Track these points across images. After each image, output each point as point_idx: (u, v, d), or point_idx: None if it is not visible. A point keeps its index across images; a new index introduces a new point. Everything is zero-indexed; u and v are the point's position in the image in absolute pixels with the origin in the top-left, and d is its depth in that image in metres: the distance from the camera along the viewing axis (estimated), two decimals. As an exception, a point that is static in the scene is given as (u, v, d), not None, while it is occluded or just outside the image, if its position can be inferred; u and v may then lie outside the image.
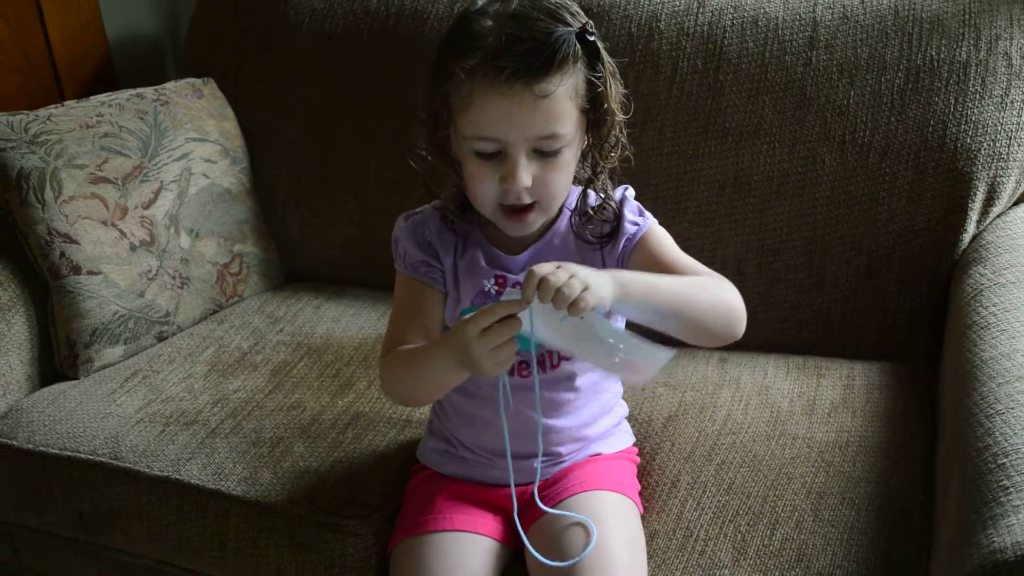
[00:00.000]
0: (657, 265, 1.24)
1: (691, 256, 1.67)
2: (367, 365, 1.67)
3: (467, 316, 1.09)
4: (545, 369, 1.29)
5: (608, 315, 1.20)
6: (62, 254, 1.69)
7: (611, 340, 1.09)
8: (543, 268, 1.04)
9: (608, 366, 1.14)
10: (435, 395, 1.29)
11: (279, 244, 2.02)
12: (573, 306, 1.03)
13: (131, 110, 1.84)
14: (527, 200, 1.18)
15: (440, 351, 1.16)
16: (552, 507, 1.27)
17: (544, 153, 1.16)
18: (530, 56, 1.10)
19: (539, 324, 1.07)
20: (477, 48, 1.12)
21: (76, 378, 1.71)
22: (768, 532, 1.28)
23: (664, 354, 1.11)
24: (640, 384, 1.30)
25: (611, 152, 1.25)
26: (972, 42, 1.61)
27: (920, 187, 1.61)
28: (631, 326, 1.23)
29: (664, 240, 1.28)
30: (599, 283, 1.05)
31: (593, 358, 1.14)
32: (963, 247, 1.61)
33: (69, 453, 1.53)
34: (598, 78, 1.16)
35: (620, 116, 1.22)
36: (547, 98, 1.12)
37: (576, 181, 1.26)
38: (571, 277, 1.03)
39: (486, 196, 1.19)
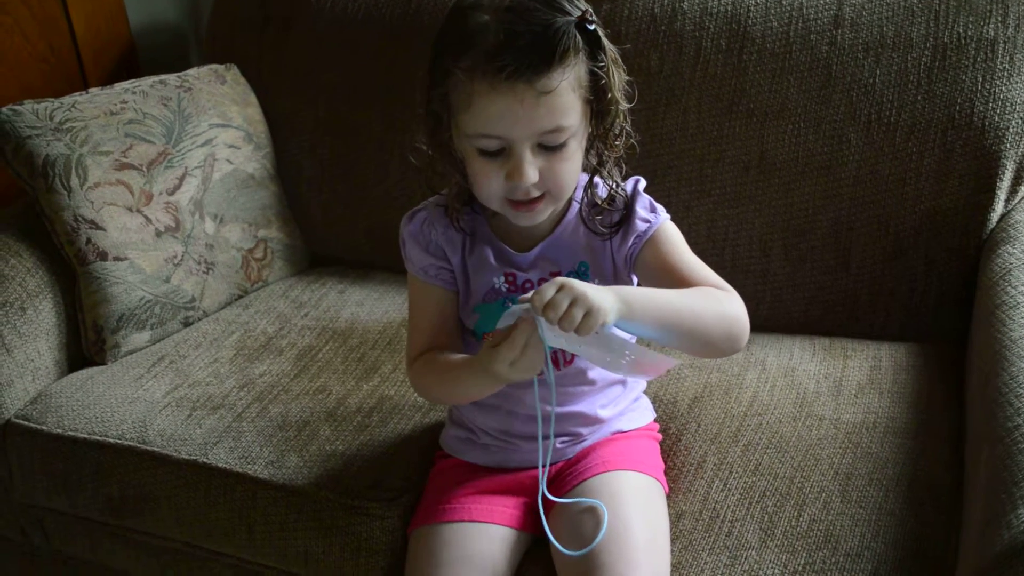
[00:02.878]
0: (665, 265, 1.23)
1: (716, 239, 1.69)
2: (392, 349, 1.68)
3: (488, 346, 1.12)
4: (559, 366, 1.29)
5: None
6: (88, 240, 1.70)
7: (618, 347, 1.11)
8: (546, 293, 1.04)
9: (616, 367, 1.16)
10: (471, 400, 1.31)
11: (303, 229, 2.03)
12: (576, 331, 1.04)
13: (155, 97, 1.85)
14: (535, 194, 1.17)
15: (472, 372, 1.18)
16: (575, 486, 1.27)
17: (549, 147, 1.15)
18: (530, 52, 1.08)
19: (551, 334, 1.08)
20: (475, 46, 1.09)
21: (103, 363, 1.72)
22: (795, 513, 1.27)
23: (669, 361, 1.16)
24: (647, 379, 1.34)
25: (616, 141, 1.22)
26: (1000, 18, 1.59)
27: (947, 166, 1.59)
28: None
29: (674, 239, 1.26)
30: (601, 305, 1.05)
31: (601, 362, 1.16)
32: (991, 226, 1.60)
33: (98, 438, 1.55)
34: (600, 67, 1.14)
35: (624, 104, 1.19)
36: (549, 94, 1.10)
37: (583, 171, 1.25)
38: (572, 304, 1.03)
39: (492, 193, 1.18)
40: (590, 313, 1.04)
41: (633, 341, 1.20)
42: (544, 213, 1.22)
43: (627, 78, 1.20)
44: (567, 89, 1.12)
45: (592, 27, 1.12)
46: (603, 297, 1.05)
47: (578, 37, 1.11)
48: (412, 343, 1.31)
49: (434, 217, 1.30)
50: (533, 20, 1.09)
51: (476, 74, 1.09)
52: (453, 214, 1.28)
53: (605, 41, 1.15)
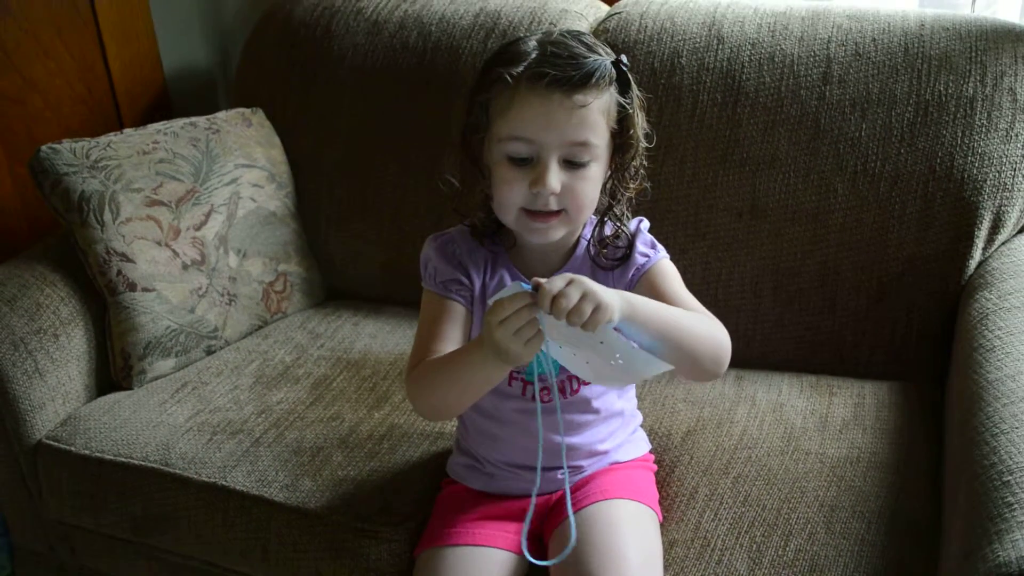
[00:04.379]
0: (659, 298, 1.23)
1: (710, 280, 1.69)
2: (402, 380, 1.67)
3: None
4: (566, 394, 1.29)
5: None
6: (119, 272, 1.70)
7: (610, 349, 1.08)
8: (555, 285, 1.03)
9: (601, 376, 1.13)
10: (471, 399, 1.22)
11: (321, 264, 2.03)
12: (584, 326, 1.03)
13: (185, 138, 1.86)
14: (554, 207, 1.18)
15: (474, 349, 1.14)
16: (574, 513, 1.25)
17: (574, 164, 1.17)
18: (570, 69, 1.13)
19: (550, 325, 1.06)
20: (522, 60, 1.15)
21: (130, 388, 1.72)
22: (782, 543, 1.26)
23: (660, 364, 1.10)
24: (632, 383, 1.31)
25: (631, 181, 1.25)
26: (979, 78, 1.60)
27: (928, 216, 1.59)
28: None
29: (670, 275, 1.28)
30: (610, 302, 1.05)
31: (587, 371, 1.13)
32: (969, 273, 1.60)
33: (123, 459, 1.54)
34: (628, 104, 1.19)
35: (644, 144, 1.23)
36: (582, 108, 1.14)
37: (595, 212, 1.26)
38: (582, 298, 1.02)
39: (512, 201, 1.19)
40: (599, 308, 1.03)
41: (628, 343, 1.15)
42: (557, 232, 1.22)
43: (648, 125, 1.24)
44: (597, 111, 1.16)
45: (624, 69, 1.18)
46: (610, 295, 1.06)
47: (612, 72, 1.17)
48: (416, 354, 1.26)
49: (459, 239, 1.31)
50: (575, 51, 1.15)
51: (521, 79, 1.14)
52: (479, 232, 1.29)
53: (634, 85, 1.20)
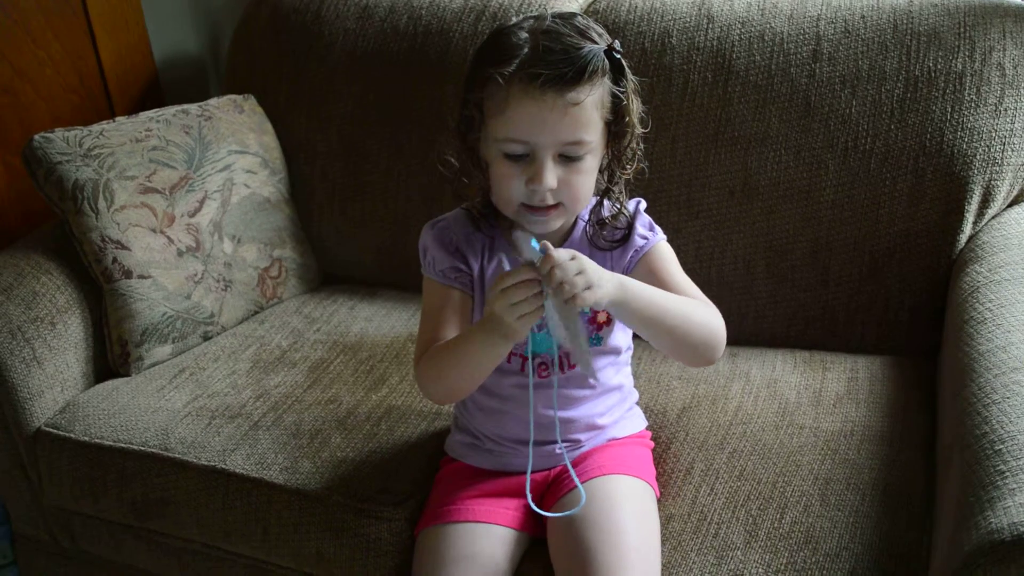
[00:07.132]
0: (657, 280, 1.25)
1: (703, 258, 1.70)
2: (399, 362, 1.68)
3: (493, 288, 1.11)
4: (563, 369, 1.30)
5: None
6: (114, 259, 1.70)
7: (571, 333, 1.11)
8: (560, 256, 1.06)
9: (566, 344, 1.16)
10: (479, 379, 1.23)
11: (315, 249, 2.03)
12: (570, 300, 1.05)
13: (177, 125, 1.86)
14: (551, 201, 1.19)
15: (477, 330, 1.16)
16: (572, 489, 1.27)
17: (569, 158, 1.17)
18: (563, 66, 1.12)
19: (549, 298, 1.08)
20: (514, 57, 1.13)
21: (128, 375, 1.72)
22: (778, 516, 1.28)
23: (587, 367, 1.16)
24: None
25: (628, 164, 1.26)
26: (967, 53, 1.60)
27: (919, 191, 1.60)
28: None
29: (667, 257, 1.29)
30: (603, 285, 1.07)
31: (560, 337, 1.15)
32: (960, 247, 1.61)
33: (122, 445, 1.55)
34: (622, 92, 1.18)
35: (639, 129, 1.23)
36: (576, 106, 1.14)
37: (593, 192, 1.27)
38: (578, 274, 1.05)
39: (511, 196, 1.20)
40: (590, 288, 1.06)
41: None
42: (556, 222, 1.24)
43: (643, 108, 1.24)
44: (591, 106, 1.15)
45: (618, 56, 1.17)
46: (606, 282, 1.08)
47: (606, 62, 1.15)
48: (422, 343, 1.28)
49: (455, 224, 1.31)
50: (567, 43, 1.14)
51: (514, 80, 1.13)
52: (475, 218, 1.29)
53: (628, 71, 1.19)
